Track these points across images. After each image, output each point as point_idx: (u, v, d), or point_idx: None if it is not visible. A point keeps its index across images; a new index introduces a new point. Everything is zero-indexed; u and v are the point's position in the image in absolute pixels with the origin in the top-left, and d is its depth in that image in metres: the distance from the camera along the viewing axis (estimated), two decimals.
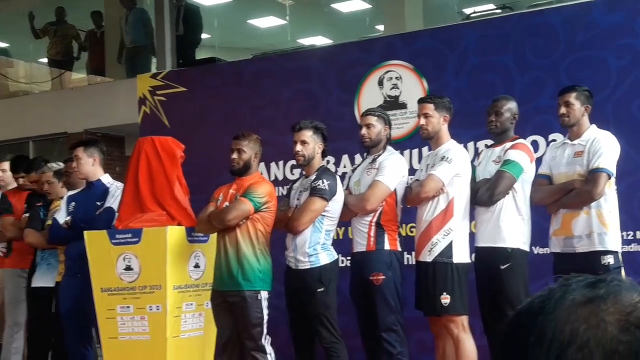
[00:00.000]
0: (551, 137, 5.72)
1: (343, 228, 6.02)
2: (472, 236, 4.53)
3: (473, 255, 4.56)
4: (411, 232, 5.65)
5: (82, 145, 5.35)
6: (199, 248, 4.82)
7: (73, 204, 5.29)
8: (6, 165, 6.51)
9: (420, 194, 4.43)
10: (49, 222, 5.48)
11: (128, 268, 4.69)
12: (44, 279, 5.74)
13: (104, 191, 5.24)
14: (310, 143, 4.59)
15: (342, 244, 5.65)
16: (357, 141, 5.12)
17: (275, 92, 7.21)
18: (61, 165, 5.95)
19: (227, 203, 4.54)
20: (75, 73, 11.43)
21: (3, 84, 11.77)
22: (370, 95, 6.68)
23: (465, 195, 4.45)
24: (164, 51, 9.12)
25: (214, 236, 4.66)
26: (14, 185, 6.37)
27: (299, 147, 4.59)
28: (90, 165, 5.25)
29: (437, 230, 4.38)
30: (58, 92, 10.64)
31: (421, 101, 4.68)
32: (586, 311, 0.70)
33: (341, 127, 6.42)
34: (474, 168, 4.59)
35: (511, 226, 4.36)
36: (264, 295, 4.43)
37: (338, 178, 4.69)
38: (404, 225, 5.41)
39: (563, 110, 4.34)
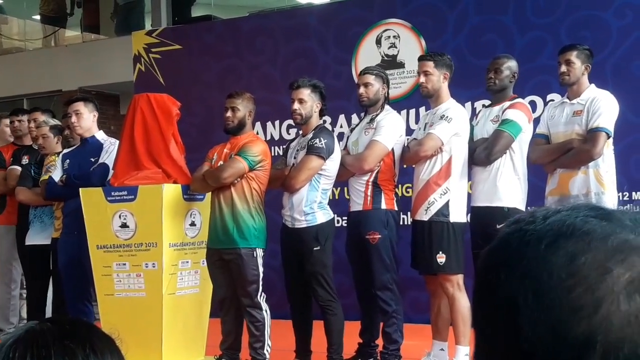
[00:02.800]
0: (549, 97, 5.69)
1: (339, 188, 6.02)
2: (468, 197, 4.52)
3: (469, 216, 4.56)
4: (407, 192, 5.65)
5: (82, 101, 5.34)
6: (196, 206, 4.81)
7: (67, 161, 5.27)
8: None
9: (419, 153, 4.41)
10: (44, 177, 5.46)
11: (124, 225, 4.68)
12: (38, 237, 5.72)
13: (98, 147, 5.22)
14: (308, 101, 4.54)
15: (337, 204, 5.66)
16: (354, 101, 5.07)
17: (272, 50, 7.13)
18: (57, 121, 5.90)
19: (221, 162, 4.51)
20: (69, 30, 11.28)
21: None
22: (367, 54, 6.62)
23: (464, 155, 4.43)
24: (160, 8, 8.99)
25: (210, 195, 4.65)
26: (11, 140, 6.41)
27: (296, 106, 4.54)
28: (91, 120, 5.26)
29: (434, 190, 4.37)
30: (52, 50, 10.52)
31: (421, 59, 4.63)
32: None
33: (338, 86, 6.37)
34: (471, 127, 4.56)
35: (508, 186, 4.35)
36: (259, 252, 4.44)
37: (335, 137, 4.66)
38: (399, 186, 5.41)
39: (563, 68, 4.30)
